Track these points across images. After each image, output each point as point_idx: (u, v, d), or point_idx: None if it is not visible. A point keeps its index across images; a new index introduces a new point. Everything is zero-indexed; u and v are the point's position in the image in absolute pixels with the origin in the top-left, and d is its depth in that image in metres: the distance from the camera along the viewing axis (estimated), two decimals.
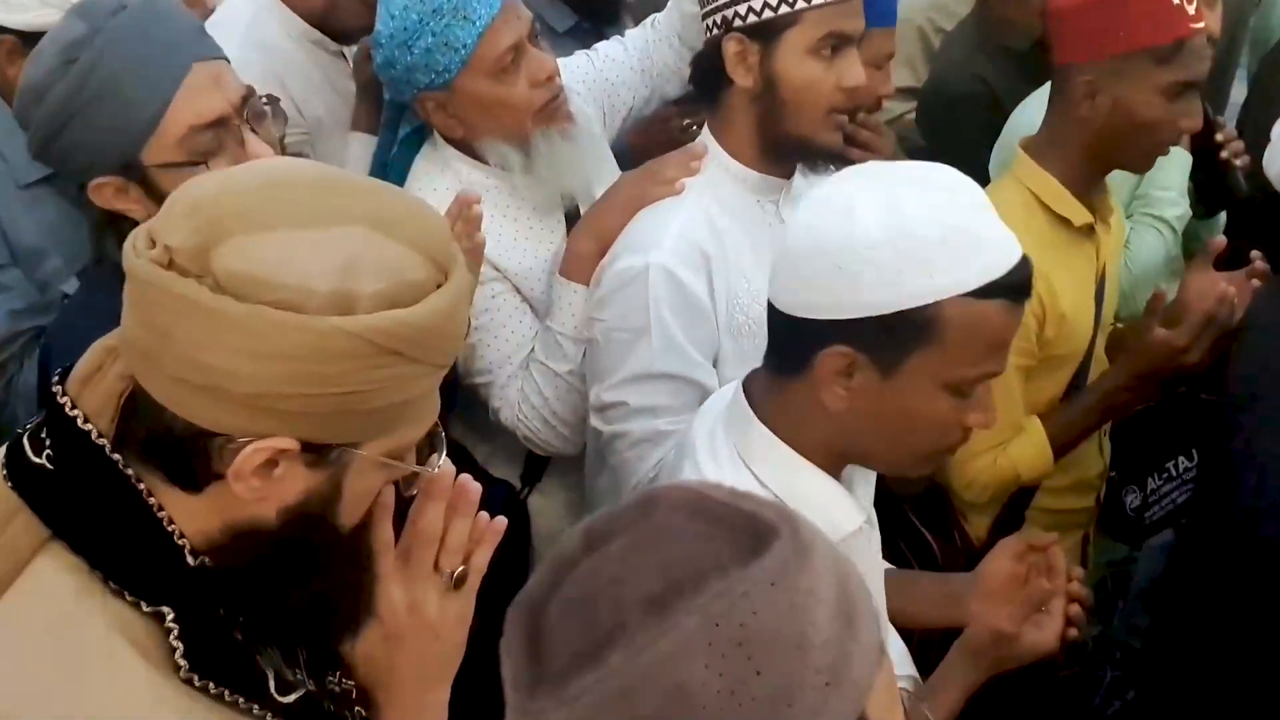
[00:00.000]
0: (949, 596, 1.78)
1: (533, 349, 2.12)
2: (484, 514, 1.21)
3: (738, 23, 1.88)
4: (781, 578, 0.78)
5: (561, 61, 2.19)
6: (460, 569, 1.20)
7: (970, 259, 1.36)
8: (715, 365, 1.94)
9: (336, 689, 1.16)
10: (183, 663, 1.02)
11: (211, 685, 1.03)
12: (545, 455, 2.22)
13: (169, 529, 1.04)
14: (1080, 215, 2.23)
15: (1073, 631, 1.68)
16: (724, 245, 1.94)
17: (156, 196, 1.57)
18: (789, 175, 2.02)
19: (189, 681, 1.02)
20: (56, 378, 1.08)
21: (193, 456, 1.01)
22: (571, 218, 2.17)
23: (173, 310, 0.96)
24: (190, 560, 1.05)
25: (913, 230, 1.35)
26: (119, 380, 1.04)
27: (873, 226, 1.35)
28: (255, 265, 0.96)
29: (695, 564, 0.80)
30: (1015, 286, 1.39)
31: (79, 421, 1.03)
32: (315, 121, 2.39)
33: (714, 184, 1.99)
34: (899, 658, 1.68)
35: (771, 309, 1.47)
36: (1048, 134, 2.25)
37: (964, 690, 1.68)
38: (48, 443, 1.04)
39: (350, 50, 2.52)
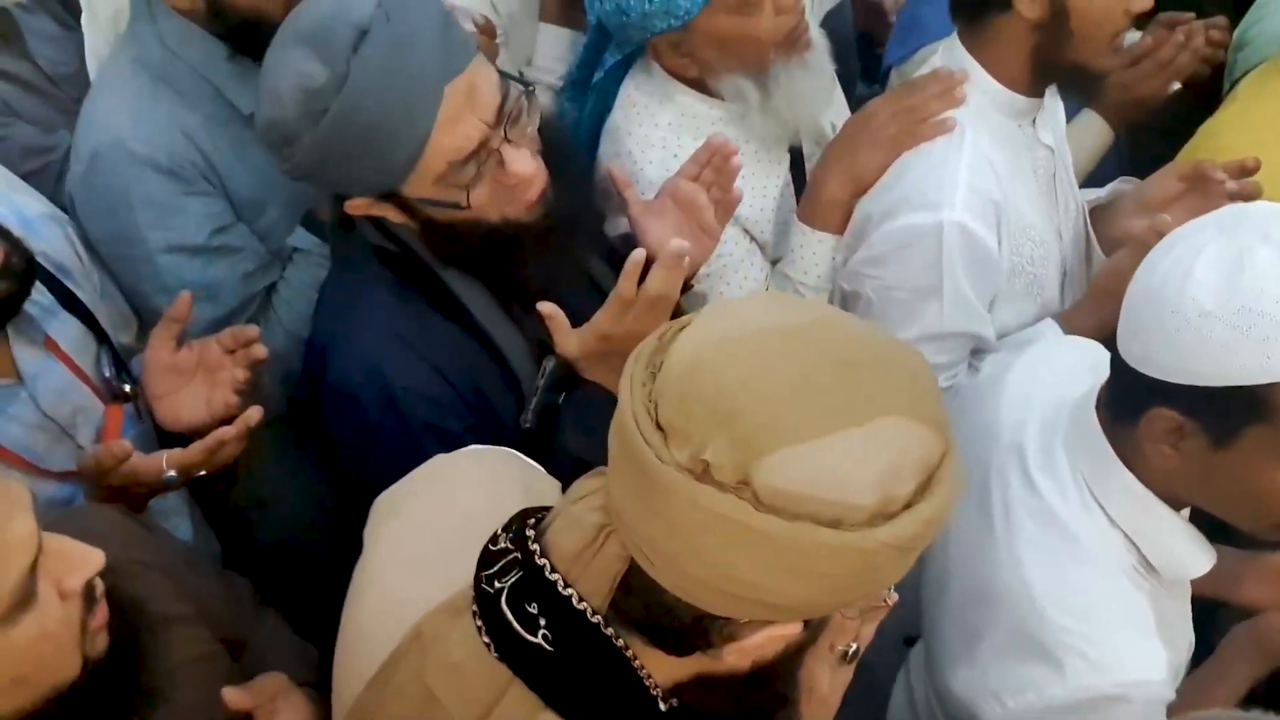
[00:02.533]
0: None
1: None
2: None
3: None
4: None
5: None
6: (853, 647, 1.19)
7: None
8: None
9: None
10: None
11: None
12: None
13: (647, 683, 1.03)
14: None
15: None
16: (1004, 186, 1.77)
17: (415, 216, 1.51)
18: (1043, 94, 1.84)
19: None
20: (535, 547, 1.02)
21: (691, 635, 0.99)
22: (794, 152, 1.98)
23: (704, 524, 0.91)
24: (661, 706, 1.04)
25: (1252, 304, 1.21)
26: (616, 560, 0.99)
27: (1207, 294, 1.22)
28: (801, 482, 0.89)
29: None
30: None
31: (574, 601, 1.00)
32: (510, 17, 2.13)
33: (981, 114, 1.79)
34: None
35: (1113, 347, 1.36)
36: None
37: (1246, 685, 1.63)
38: (542, 623, 1.01)
39: None
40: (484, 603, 1.03)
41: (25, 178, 2.11)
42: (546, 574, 1.00)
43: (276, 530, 1.87)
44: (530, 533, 1.03)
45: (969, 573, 1.49)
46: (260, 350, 1.64)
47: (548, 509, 1.09)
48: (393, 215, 1.51)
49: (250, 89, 1.68)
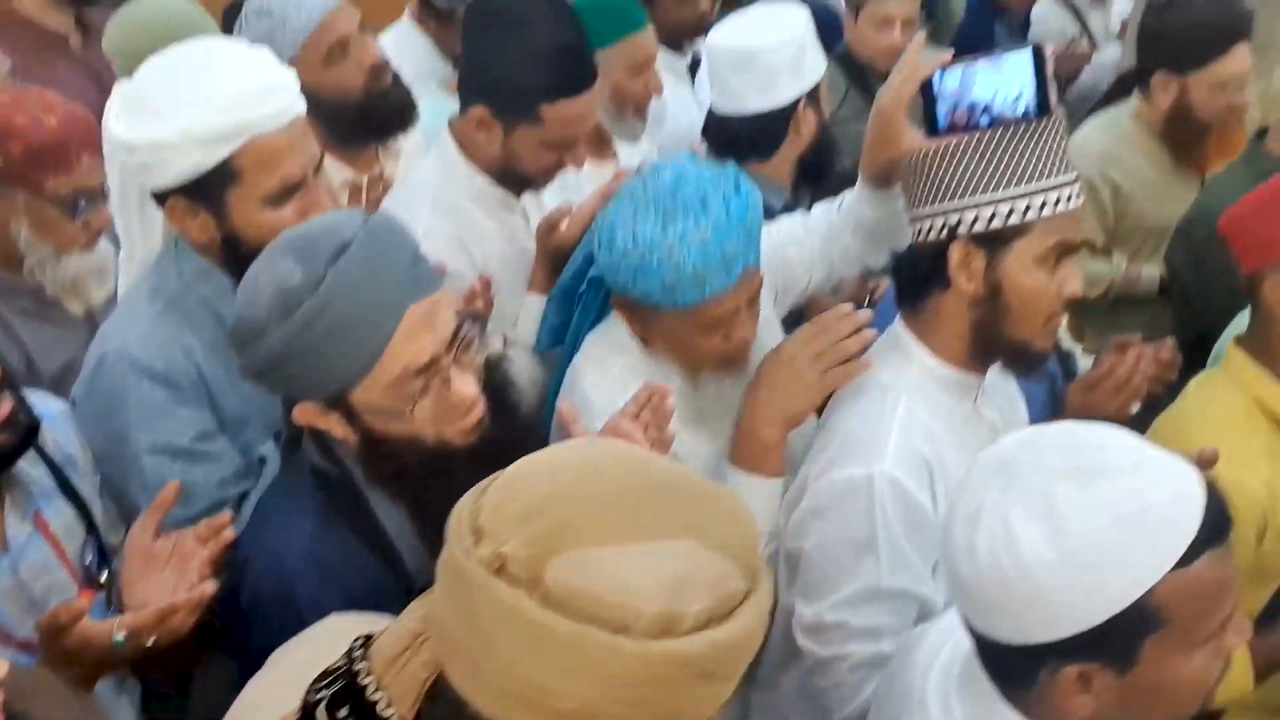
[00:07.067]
0: None
1: None
2: None
3: (963, 230, 1.80)
4: None
5: None
6: None
7: (1160, 536, 1.26)
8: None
9: None
10: None
11: None
12: None
13: None
14: None
15: None
16: (940, 451, 1.84)
17: (357, 426, 1.61)
18: (985, 371, 1.94)
19: None
20: (360, 651, 1.07)
21: None
22: None
23: (496, 618, 0.95)
24: None
25: (1087, 539, 1.25)
26: (424, 667, 1.02)
27: (1043, 549, 1.26)
28: (587, 582, 0.93)
29: None
30: (1215, 529, 1.28)
31: (380, 707, 1.03)
32: (498, 287, 2.35)
33: (920, 389, 1.89)
34: None
35: (970, 629, 1.37)
36: (1257, 335, 2.15)
37: None
38: None
39: (528, 198, 2.52)
40: (305, 713, 1.07)
41: None
42: (359, 680, 1.04)
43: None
44: (360, 650, 1.08)
45: None
46: (229, 533, 1.74)
47: None
48: (336, 427, 1.61)
49: None
